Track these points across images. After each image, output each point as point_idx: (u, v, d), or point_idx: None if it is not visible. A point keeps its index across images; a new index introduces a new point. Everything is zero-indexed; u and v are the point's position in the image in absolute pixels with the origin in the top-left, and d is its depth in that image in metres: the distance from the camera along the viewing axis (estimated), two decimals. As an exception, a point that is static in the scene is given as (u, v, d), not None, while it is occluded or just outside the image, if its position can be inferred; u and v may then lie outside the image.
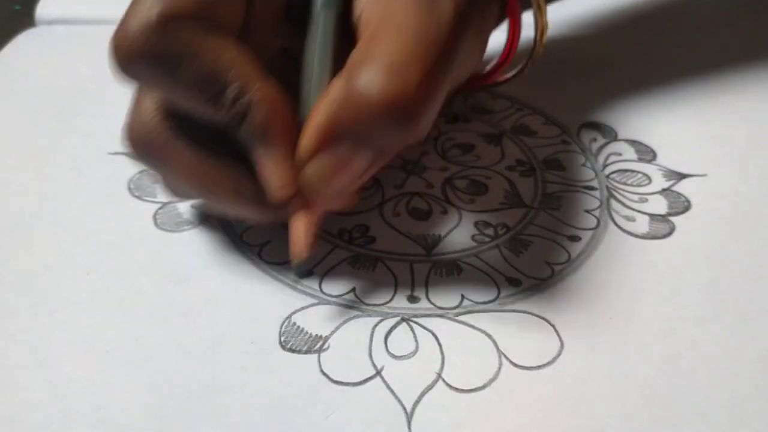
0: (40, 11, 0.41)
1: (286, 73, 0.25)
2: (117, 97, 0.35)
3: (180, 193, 0.27)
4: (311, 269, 0.25)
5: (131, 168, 0.31)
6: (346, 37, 0.25)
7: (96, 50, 0.38)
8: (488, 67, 0.32)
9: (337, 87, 0.22)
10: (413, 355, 0.24)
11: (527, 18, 0.30)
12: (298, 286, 0.26)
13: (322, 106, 0.22)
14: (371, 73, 0.21)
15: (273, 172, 0.24)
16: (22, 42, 0.39)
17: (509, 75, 0.32)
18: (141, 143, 0.25)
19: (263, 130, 0.23)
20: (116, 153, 0.32)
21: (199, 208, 0.29)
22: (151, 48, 0.22)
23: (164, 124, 0.24)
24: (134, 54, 0.22)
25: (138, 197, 0.30)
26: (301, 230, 0.24)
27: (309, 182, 0.23)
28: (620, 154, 0.33)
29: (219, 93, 0.23)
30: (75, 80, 0.36)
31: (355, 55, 0.23)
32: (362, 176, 0.24)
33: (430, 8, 0.23)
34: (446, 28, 0.23)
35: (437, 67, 0.22)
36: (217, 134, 0.24)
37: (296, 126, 0.24)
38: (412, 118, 0.22)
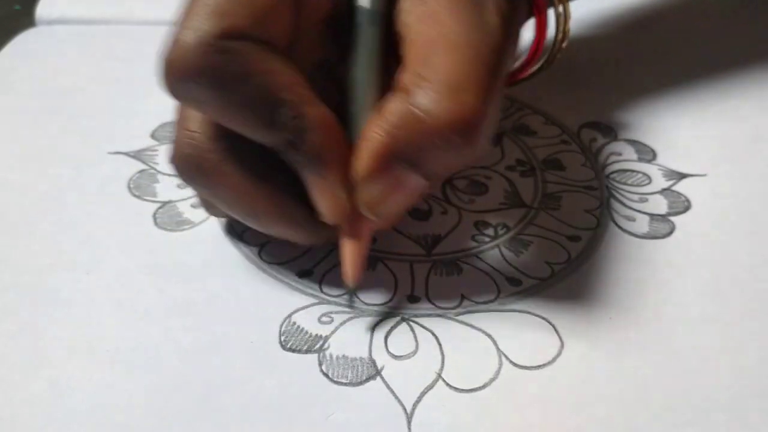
0: (40, 11, 0.41)
1: (325, 87, 0.24)
2: (117, 97, 0.35)
3: (219, 213, 0.26)
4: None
5: (131, 168, 0.31)
6: (388, 50, 0.24)
7: (96, 50, 0.38)
8: (516, 65, 0.32)
9: (394, 108, 0.22)
10: (413, 355, 0.24)
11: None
12: (298, 286, 0.26)
13: (377, 128, 0.22)
14: (432, 94, 0.21)
15: (326, 196, 0.23)
16: (22, 42, 0.39)
17: (530, 71, 0.32)
18: (188, 166, 0.24)
19: (317, 153, 0.22)
20: (116, 153, 0.32)
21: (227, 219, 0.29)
22: (207, 66, 0.21)
23: (213, 146, 0.23)
24: (189, 71, 0.21)
25: (138, 197, 0.30)
26: (350, 257, 0.24)
27: (364, 205, 0.23)
28: (620, 154, 0.33)
29: (272, 115, 0.22)
30: (75, 80, 0.36)
31: (408, 75, 0.22)
32: (414, 198, 0.23)
33: (477, 20, 0.22)
34: (495, 37, 0.23)
35: (493, 80, 0.22)
36: (265, 154, 0.23)
37: (348, 151, 0.23)
38: (476, 135, 0.22)
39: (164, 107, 0.34)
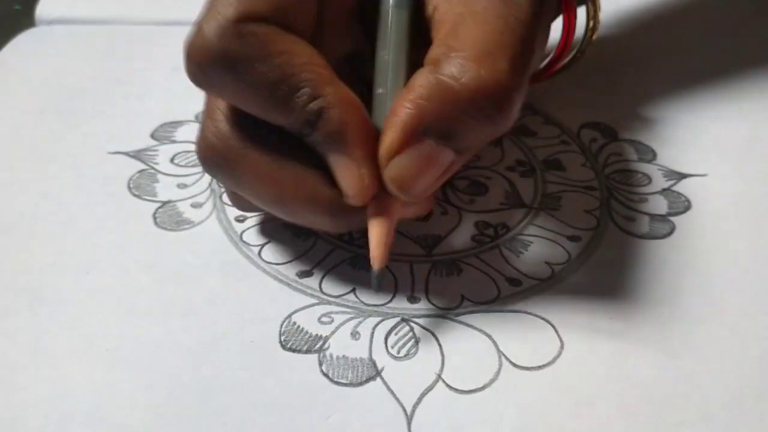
0: (40, 11, 0.41)
1: (352, 80, 0.23)
2: (117, 97, 0.35)
3: (249, 207, 0.26)
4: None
5: (131, 167, 0.31)
6: (416, 39, 0.24)
7: (96, 50, 0.38)
8: (544, 62, 0.32)
9: (422, 81, 0.22)
10: (413, 356, 0.24)
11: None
12: (298, 286, 0.26)
13: (406, 102, 0.22)
14: (462, 62, 0.21)
15: (351, 176, 0.23)
16: (22, 42, 0.39)
17: (561, 65, 0.32)
18: (213, 154, 0.24)
19: (338, 134, 0.22)
20: (116, 153, 0.32)
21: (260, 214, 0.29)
22: (225, 49, 0.21)
23: (237, 133, 0.23)
24: (208, 56, 0.21)
25: (138, 196, 0.30)
26: (377, 238, 0.23)
27: (392, 182, 0.23)
28: (620, 154, 0.33)
29: (290, 96, 0.22)
30: (75, 80, 0.36)
31: (436, 49, 0.22)
32: (444, 176, 0.23)
33: (507, 1, 0.23)
34: (523, 11, 0.23)
35: (522, 56, 0.22)
36: (291, 141, 0.23)
37: (371, 129, 0.23)
38: (504, 107, 0.21)
39: (164, 107, 0.34)
